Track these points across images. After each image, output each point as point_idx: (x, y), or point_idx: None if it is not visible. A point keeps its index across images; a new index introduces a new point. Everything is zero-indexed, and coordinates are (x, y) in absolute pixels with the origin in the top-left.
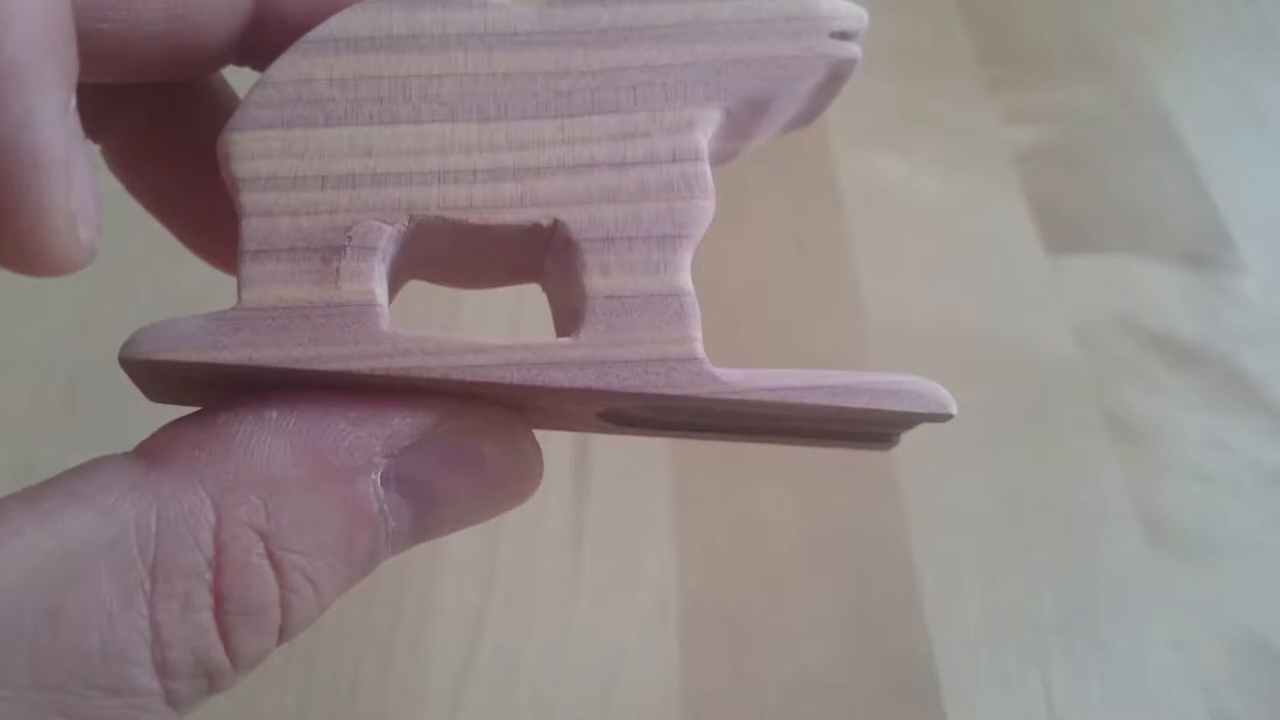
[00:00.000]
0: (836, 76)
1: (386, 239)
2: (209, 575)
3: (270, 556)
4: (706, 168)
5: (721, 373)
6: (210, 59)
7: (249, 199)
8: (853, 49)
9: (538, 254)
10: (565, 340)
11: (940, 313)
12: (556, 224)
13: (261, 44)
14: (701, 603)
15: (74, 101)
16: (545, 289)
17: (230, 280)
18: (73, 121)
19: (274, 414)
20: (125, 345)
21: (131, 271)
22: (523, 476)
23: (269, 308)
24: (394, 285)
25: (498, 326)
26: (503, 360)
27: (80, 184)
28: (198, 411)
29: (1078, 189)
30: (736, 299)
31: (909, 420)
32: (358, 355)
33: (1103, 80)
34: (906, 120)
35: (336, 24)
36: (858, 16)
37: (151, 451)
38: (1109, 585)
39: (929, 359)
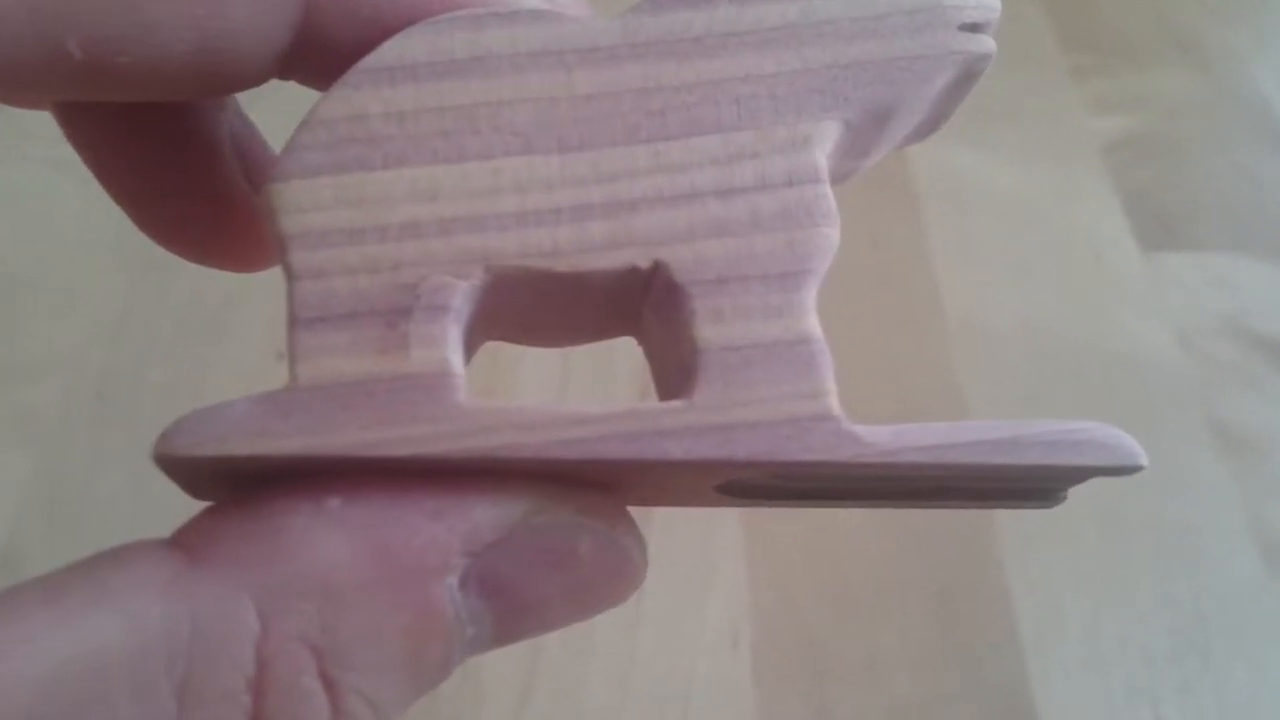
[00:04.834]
0: (969, 75)
1: (460, 296)
2: (247, 699)
3: (323, 676)
4: (828, 189)
5: (864, 431)
6: (247, 81)
7: (299, 259)
8: (987, 43)
9: (635, 303)
10: (677, 404)
11: (1027, 315)
12: (657, 266)
13: (307, 62)
14: (776, 630)
15: None
16: (643, 344)
17: (268, 276)
18: None
19: (336, 503)
20: (162, 438)
21: (165, 272)
22: (624, 577)
23: (327, 385)
24: (468, 348)
25: (545, 386)
26: (608, 432)
27: None
28: (245, 493)
29: (1172, 182)
30: None
31: (1085, 475)
32: (434, 436)
33: (1194, 66)
34: (984, 111)
35: (391, 50)
36: (989, 5)
37: (191, 543)
38: (1223, 611)
39: (1017, 364)
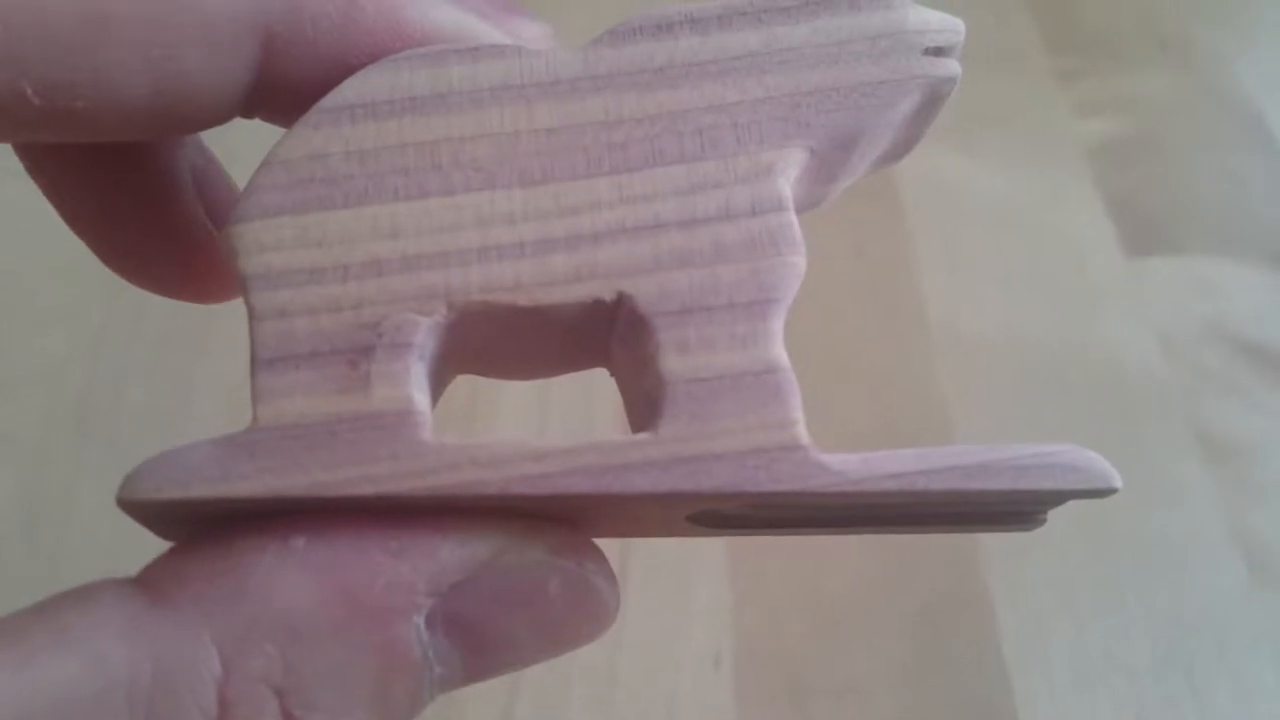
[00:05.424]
0: (935, 98)
1: (423, 333)
2: None
3: (286, 717)
4: (793, 217)
5: (833, 460)
6: (207, 121)
7: (259, 299)
8: (951, 66)
9: (602, 336)
10: (642, 437)
11: (1012, 322)
12: (621, 297)
13: (269, 101)
14: (757, 647)
15: None
16: (614, 375)
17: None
18: None
19: (301, 543)
20: (125, 484)
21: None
22: (595, 615)
23: (289, 425)
24: (437, 385)
25: (525, 414)
26: (571, 466)
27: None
28: (210, 532)
29: (1157, 186)
30: (792, 313)
31: (1061, 497)
32: (397, 474)
33: (1180, 68)
34: (969, 115)
35: (351, 89)
36: (953, 28)
37: (155, 582)
38: (1207, 623)
39: (1000, 371)
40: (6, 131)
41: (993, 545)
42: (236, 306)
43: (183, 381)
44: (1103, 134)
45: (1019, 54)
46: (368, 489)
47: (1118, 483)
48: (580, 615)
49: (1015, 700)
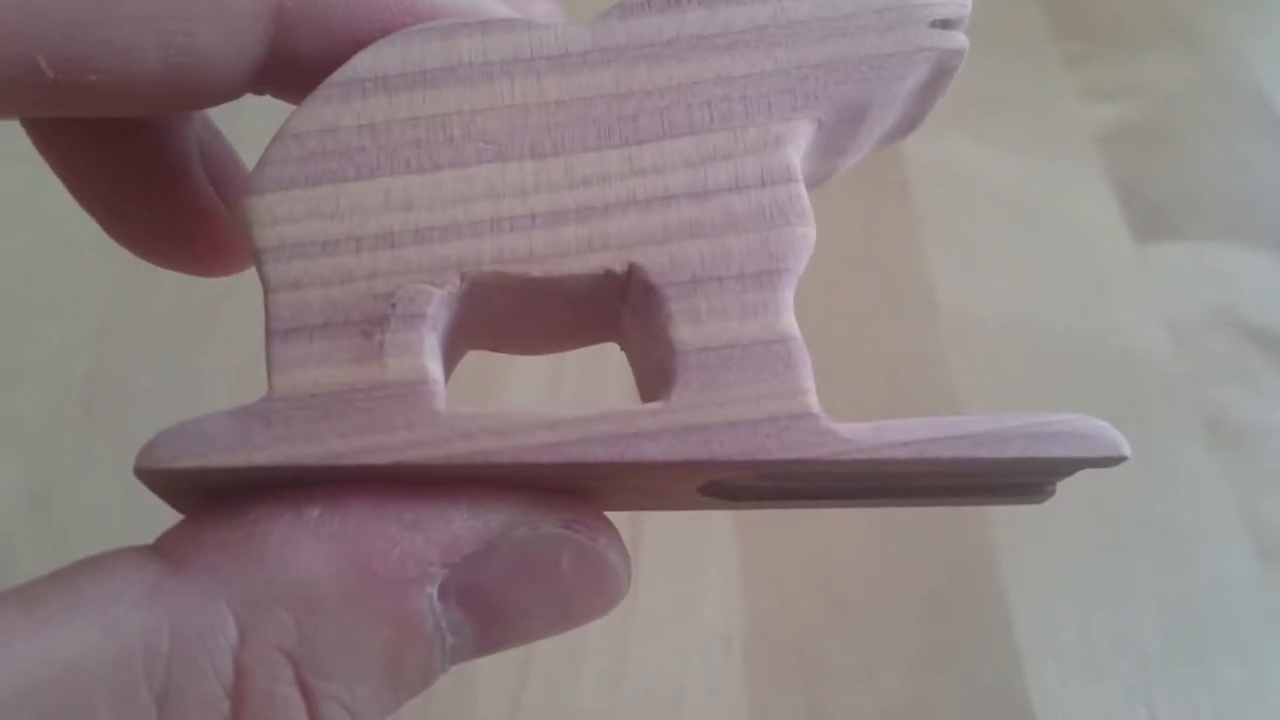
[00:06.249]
0: (943, 72)
1: (436, 304)
2: (226, 707)
3: (301, 684)
4: (802, 188)
5: (844, 428)
6: (219, 97)
7: (273, 271)
8: (958, 39)
9: (613, 307)
10: (654, 405)
11: (1020, 307)
12: (632, 268)
13: (281, 77)
14: (768, 632)
15: None
16: (625, 348)
17: (253, 278)
18: None
19: (316, 513)
20: (142, 453)
21: (150, 273)
22: (607, 590)
23: (304, 395)
24: (450, 358)
25: (537, 387)
26: (584, 435)
27: None
28: (227, 502)
29: (1166, 171)
30: (799, 297)
31: (1070, 467)
32: (411, 443)
33: (1189, 53)
34: (977, 100)
35: (363, 62)
36: (960, 1)
37: (172, 550)
38: (1217, 609)
39: (1008, 355)
40: (20, 105)
41: (1003, 531)
42: (242, 291)
43: (190, 366)
44: (1111, 119)
45: (1028, 39)
46: (383, 458)
47: (1126, 450)
48: (592, 588)
49: (1026, 685)
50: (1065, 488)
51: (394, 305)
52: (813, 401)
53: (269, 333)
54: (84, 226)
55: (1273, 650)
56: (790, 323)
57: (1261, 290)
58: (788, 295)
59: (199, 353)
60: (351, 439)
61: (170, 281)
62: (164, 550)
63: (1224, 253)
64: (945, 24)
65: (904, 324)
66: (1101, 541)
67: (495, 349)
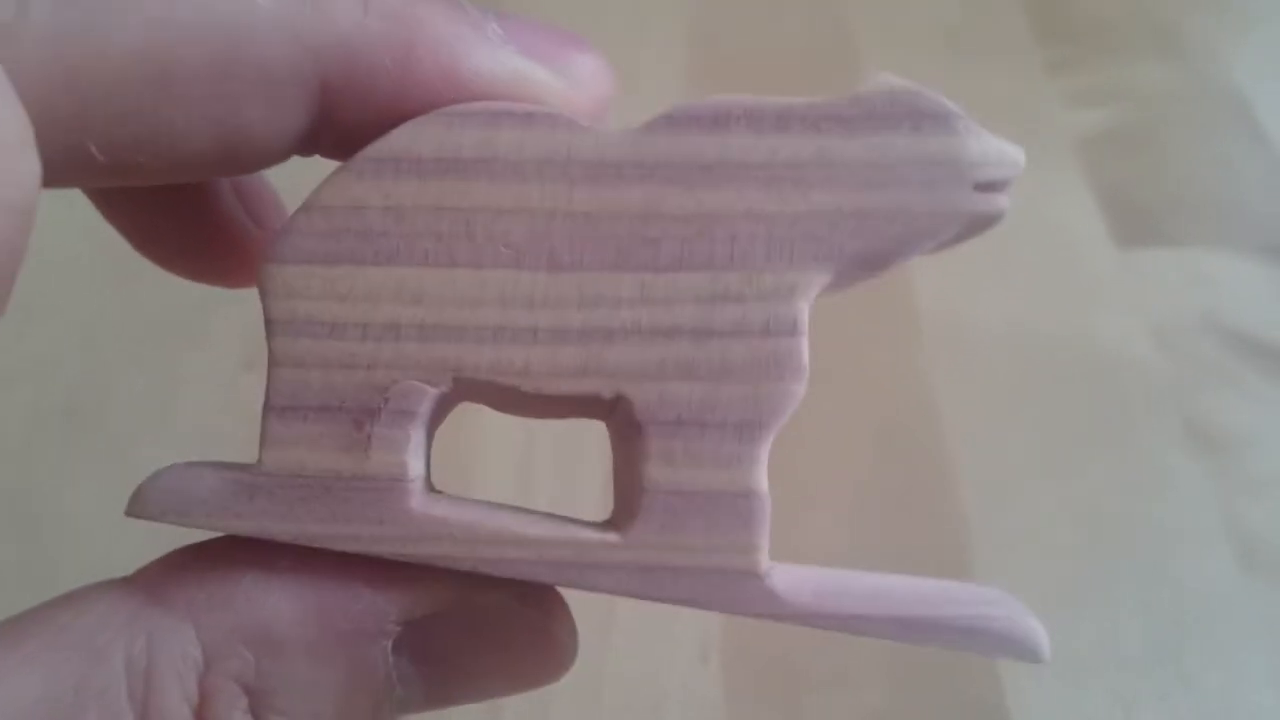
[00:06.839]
0: (971, 231)
1: (428, 402)
2: None
3: (254, 714)
4: (804, 343)
5: (785, 589)
6: (264, 164)
7: (281, 345)
8: (999, 203)
9: (599, 414)
10: (612, 538)
11: (1002, 314)
12: (620, 398)
13: (325, 144)
14: (747, 643)
15: None
16: (608, 429)
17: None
18: None
19: (286, 564)
20: (133, 501)
21: (133, 281)
22: (553, 661)
23: (290, 474)
24: (436, 423)
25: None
26: (538, 557)
27: None
28: (206, 542)
29: (1148, 177)
30: None
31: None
32: (379, 538)
33: (1171, 59)
34: (958, 105)
35: (401, 138)
36: (1012, 162)
37: (149, 584)
38: (1198, 615)
39: (991, 363)
40: (70, 183)
41: (983, 539)
42: (225, 300)
43: (172, 374)
44: (1094, 125)
45: (1009, 44)
46: (353, 546)
47: (1046, 655)
48: (539, 659)
49: (1004, 691)
50: (1046, 492)
51: (387, 399)
52: (762, 560)
53: (267, 405)
54: (66, 234)
55: (1252, 656)
56: (760, 478)
57: (1245, 295)
58: (764, 451)
59: (180, 360)
60: (326, 525)
61: (153, 289)
62: (145, 582)
63: (1207, 258)
64: (990, 186)
65: (886, 330)
66: (1081, 546)
67: (484, 404)
